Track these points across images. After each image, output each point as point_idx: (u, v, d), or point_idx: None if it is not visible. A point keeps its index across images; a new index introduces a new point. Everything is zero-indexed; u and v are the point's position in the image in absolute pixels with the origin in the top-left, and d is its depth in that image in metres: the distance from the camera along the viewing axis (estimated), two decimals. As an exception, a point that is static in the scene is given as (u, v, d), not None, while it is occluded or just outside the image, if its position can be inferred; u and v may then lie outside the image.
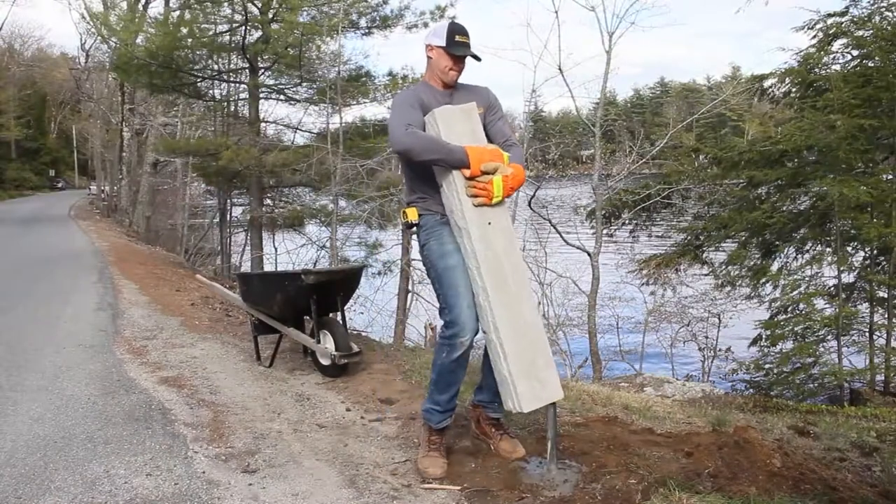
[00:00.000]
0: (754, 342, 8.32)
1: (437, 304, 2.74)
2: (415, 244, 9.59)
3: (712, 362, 10.32)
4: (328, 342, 4.17)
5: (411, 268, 9.47)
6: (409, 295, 9.55)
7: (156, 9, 20.00)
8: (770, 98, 9.08)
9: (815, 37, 8.08)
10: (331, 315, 4.46)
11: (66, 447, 2.99)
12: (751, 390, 7.69)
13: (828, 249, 7.96)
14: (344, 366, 4.12)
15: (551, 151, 12.13)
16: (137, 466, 2.77)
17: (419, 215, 2.69)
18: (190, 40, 11.25)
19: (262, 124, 12.76)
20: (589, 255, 8.85)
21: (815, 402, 6.49)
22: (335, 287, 4.26)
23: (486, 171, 2.46)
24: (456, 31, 2.65)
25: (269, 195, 13.78)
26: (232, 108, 14.25)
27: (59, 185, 50.70)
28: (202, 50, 11.72)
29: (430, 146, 2.45)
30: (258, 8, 10.95)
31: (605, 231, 9.47)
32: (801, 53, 8.20)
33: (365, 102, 12.21)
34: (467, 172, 2.46)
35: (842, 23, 7.83)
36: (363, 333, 7.60)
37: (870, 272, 7.68)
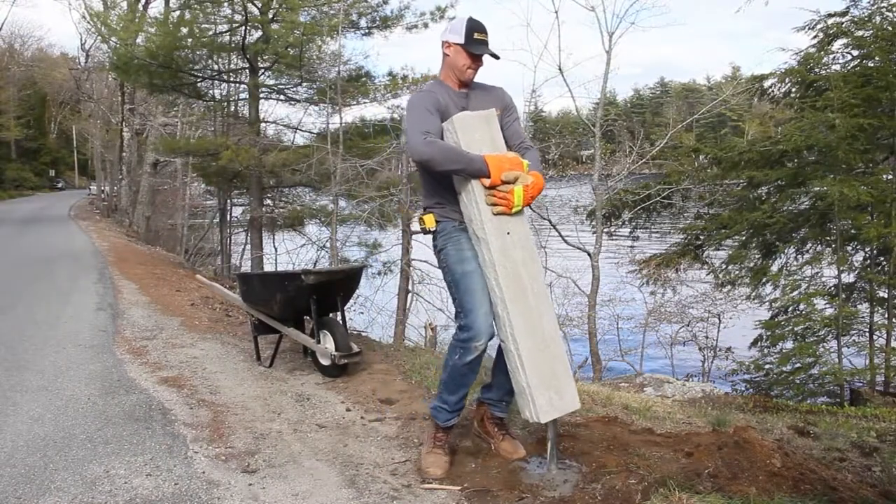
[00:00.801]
0: (754, 342, 8.32)
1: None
2: (415, 244, 9.60)
3: (712, 362, 10.32)
4: (328, 342, 4.17)
5: (411, 268, 9.46)
6: (409, 295, 9.54)
7: (156, 9, 19.98)
8: (770, 98, 9.07)
9: (815, 37, 8.09)
10: (331, 315, 4.46)
11: (66, 447, 2.99)
12: (751, 390, 7.68)
13: (828, 249, 7.96)
14: (344, 366, 4.12)
15: (551, 151, 12.11)
16: (137, 466, 2.77)
17: (437, 221, 2.66)
18: (190, 40, 11.24)
19: (262, 124, 12.76)
20: (589, 255, 8.85)
21: (815, 402, 6.49)
22: (335, 287, 4.26)
23: (506, 181, 2.42)
24: (475, 28, 2.59)
25: (269, 195, 13.78)
26: (232, 108, 14.24)
27: (59, 185, 50.72)
28: (202, 50, 11.71)
29: (451, 156, 2.41)
30: (258, 8, 10.94)
31: (605, 231, 9.48)
32: (801, 53, 8.21)
33: (365, 102, 12.22)
34: (487, 182, 2.42)
35: (842, 23, 7.83)
36: (363, 333, 7.59)
37: (870, 272, 7.68)
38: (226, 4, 11.69)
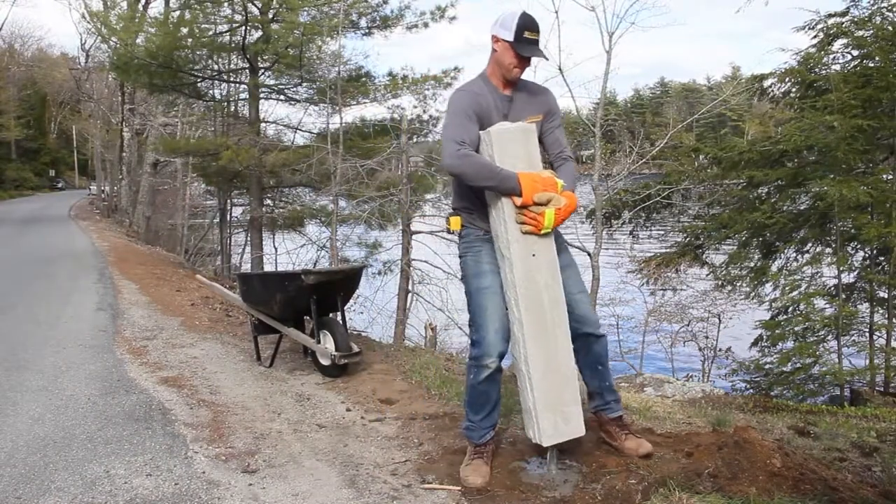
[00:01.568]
0: (754, 342, 8.31)
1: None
2: (415, 244, 9.61)
3: (712, 362, 10.31)
4: (328, 342, 4.17)
5: (411, 268, 9.46)
6: (409, 295, 9.54)
7: (156, 9, 20.02)
8: (770, 98, 9.05)
9: (815, 37, 8.08)
10: (331, 315, 4.46)
11: (66, 447, 2.99)
12: (751, 390, 7.68)
13: (828, 249, 7.96)
14: (344, 366, 4.12)
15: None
16: (137, 466, 2.77)
17: (462, 226, 2.62)
18: (190, 40, 11.24)
19: (262, 124, 12.74)
20: (589, 255, 8.84)
21: (815, 402, 6.49)
22: (335, 287, 4.26)
23: (538, 202, 2.34)
24: (527, 25, 2.43)
25: (269, 195, 13.77)
26: (232, 108, 14.23)
27: (59, 185, 50.72)
28: (202, 50, 11.70)
29: (483, 172, 2.35)
30: (258, 8, 10.94)
31: (605, 231, 9.47)
32: (801, 53, 8.19)
33: (365, 102, 12.20)
34: (518, 201, 2.35)
35: (842, 23, 7.82)
36: (363, 333, 7.60)
37: (870, 272, 7.68)
38: (226, 4, 11.68)
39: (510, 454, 2.74)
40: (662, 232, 11.63)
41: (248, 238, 13.89)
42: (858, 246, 7.92)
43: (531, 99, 2.59)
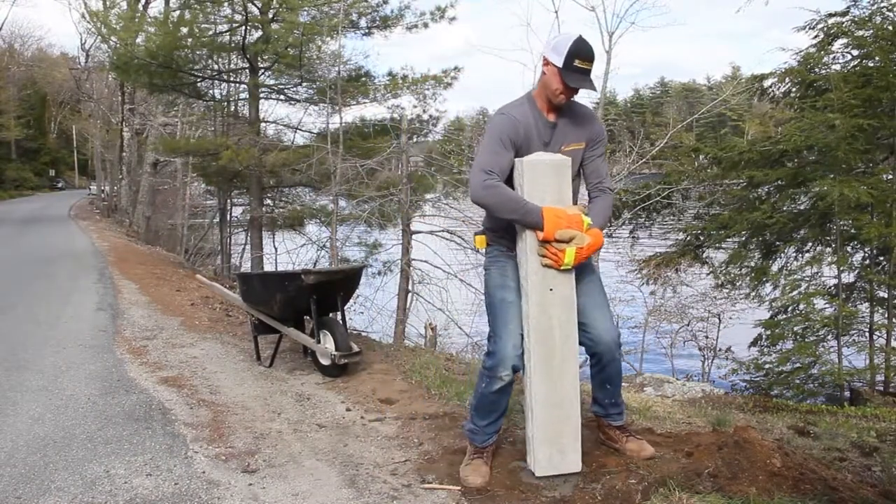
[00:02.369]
0: (754, 342, 8.31)
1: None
2: (415, 244, 9.61)
3: (712, 362, 10.31)
4: (328, 342, 4.17)
5: (411, 268, 9.46)
6: (409, 295, 9.54)
7: (156, 8, 20.00)
8: (770, 98, 9.05)
9: (815, 37, 8.07)
10: (331, 315, 4.46)
11: (66, 447, 2.99)
12: (751, 390, 7.68)
13: (828, 249, 7.96)
14: (344, 366, 4.12)
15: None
16: (137, 466, 2.77)
17: (488, 244, 2.62)
18: (190, 40, 11.23)
19: (262, 124, 12.74)
20: (589, 254, 8.82)
21: (815, 402, 6.49)
22: (335, 287, 4.26)
23: (559, 239, 2.32)
24: (578, 53, 2.33)
25: (269, 195, 13.77)
26: (232, 108, 14.23)
27: (59, 185, 50.73)
28: (202, 50, 11.70)
29: (508, 205, 2.33)
30: (258, 8, 10.94)
31: (605, 231, 9.43)
32: (802, 53, 8.19)
33: (365, 102, 12.20)
34: (540, 235, 2.33)
35: (842, 23, 7.82)
36: (363, 333, 7.60)
37: (870, 272, 7.67)
38: (226, 4, 11.67)
39: (510, 454, 2.73)
40: (661, 232, 11.63)
41: (248, 238, 13.88)
42: (858, 246, 7.92)
43: (575, 125, 2.52)
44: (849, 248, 7.84)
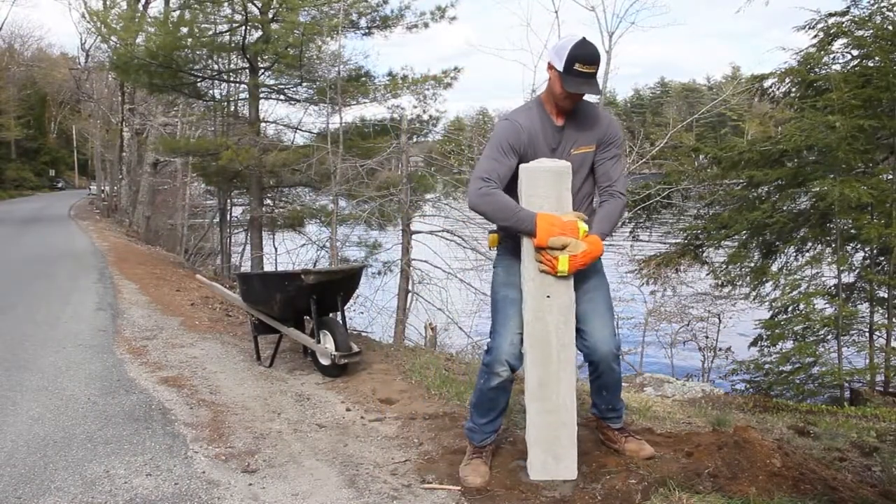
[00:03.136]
0: (754, 342, 8.31)
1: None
2: (415, 244, 9.61)
3: (712, 362, 10.31)
4: (328, 342, 4.17)
5: (411, 268, 9.46)
6: (409, 295, 9.53)
7: (156, 8, 19.98)
8: (770, 98, 9.05)
9: (815, 37, 8.06)
10: (331, 315, 4.46)
11: (66, 447, 2.99)
12: (751, 390, 7.68)
13: (828, 249, 7.95)
14: (344, 366, 4.13)
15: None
16: (137, 466, 2.77)
17: (498, 243, 2.62)
18: (190, 40, 11.24)
19: (262, 124, 12.75)
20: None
21: (815, 402, 6.48)
22: (335, 287, 4.26)
23: (552, 247, 2.31)
24: (578, 57, 2.28)
25: (269, 195, 13.77)
26: (232, 108, 14.23)
27: (59, 185, 50.75)
28: (202, 50, 11.70)
29: (502, 213, 2.34)
30: (258, 8, 10.94)
31: (605, 231, 9.43)
32: (801, 53, 8.18)
33: (365, 102, 12.20)
34: (534, 241, 2.34)
35: (842, 23, 7.81)
36: (363, 333, 7.60)
37: (870, 272, 7.67)
38: (226, 4, 11.68)
39: (510, 454, 2.73)
40: (661, 232, 11.63)
41: (248, 238, 13.89)
42: (858, 246, 7.92)
43: (584, 129, 2.47)
44: (849, 248, 7.84)
